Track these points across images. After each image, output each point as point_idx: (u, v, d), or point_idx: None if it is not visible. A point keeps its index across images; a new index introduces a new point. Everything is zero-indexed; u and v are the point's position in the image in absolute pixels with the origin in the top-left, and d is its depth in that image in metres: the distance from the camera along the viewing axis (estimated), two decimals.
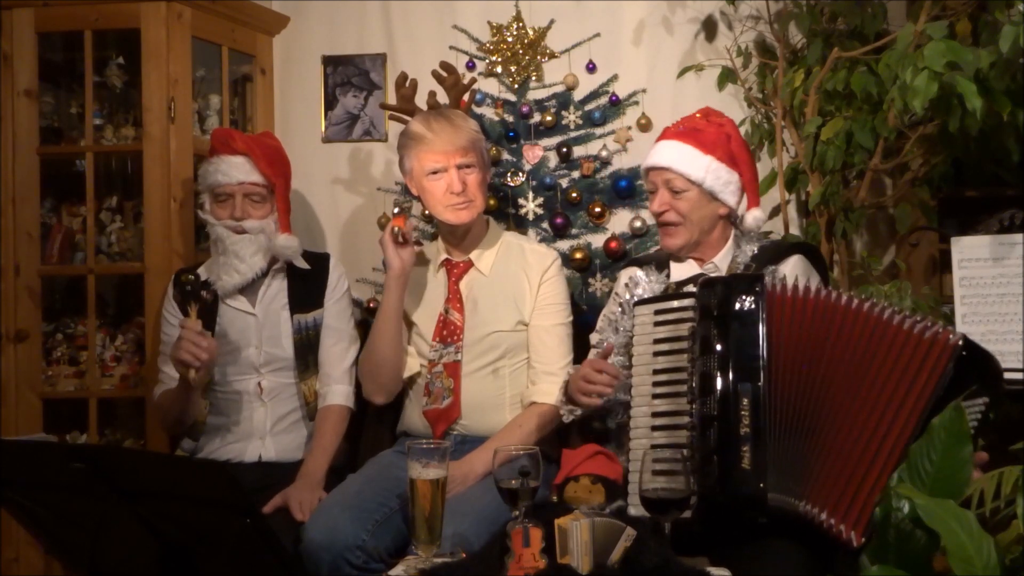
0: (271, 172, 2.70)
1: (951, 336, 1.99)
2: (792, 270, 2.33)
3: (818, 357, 2.03)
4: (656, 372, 2.19)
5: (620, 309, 2.42)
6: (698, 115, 2.46)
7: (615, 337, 2.40)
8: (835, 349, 2.03)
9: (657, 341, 2.20)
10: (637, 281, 2.43)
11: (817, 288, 2.10)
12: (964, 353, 1.99)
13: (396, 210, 2.61)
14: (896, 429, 1.96)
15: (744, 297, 2.06)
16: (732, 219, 2.44)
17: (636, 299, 2.34)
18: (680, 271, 2.42)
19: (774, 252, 2.38)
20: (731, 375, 2.02)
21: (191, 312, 2.52)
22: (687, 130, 2.40)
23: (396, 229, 2.51)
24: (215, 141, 2.73)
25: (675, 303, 2.20)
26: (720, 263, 2.40)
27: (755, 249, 2.39)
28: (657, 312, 2.22)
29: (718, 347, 2.05)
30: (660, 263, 2.47)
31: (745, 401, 2.00)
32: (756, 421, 1.98)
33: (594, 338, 2.51)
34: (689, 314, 2.15)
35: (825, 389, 2.02)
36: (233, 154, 2.68)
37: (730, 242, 2.42)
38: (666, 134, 2.43)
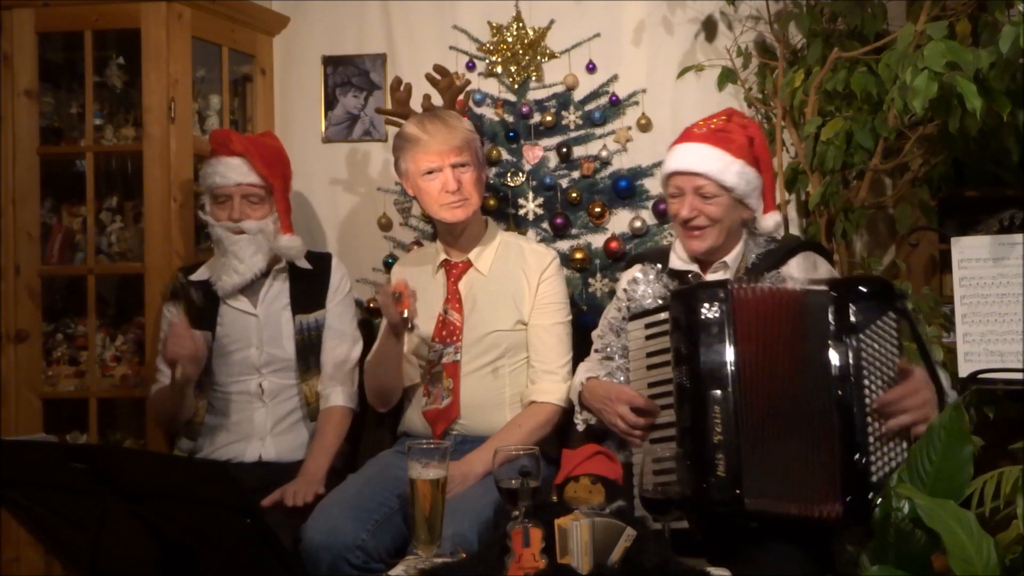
0: (268, 173, 2.70)
1: (819, 286, 2.07)
2: (797, 269, 2.31)
3: (775, 350, 2.05)
4: (650, 385, 2.20)
5: (619, 312, 2.40)
6: (723, 116, 2.37)
7: (617, 340, 2.38)
8: (783, 339, 2.05)
9: (650, 354, 2.21)
10: (637, 281, 2.40)
11: (775, 285, 2.11)
12: (834, 294, 2.04)
13: (394, 289, 2.47)
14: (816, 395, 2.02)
15: (709, 305, 2.07)
16: (747, 221, 2.39)
17: (630, 313, 2.32)
18: (678, 262, 2.38)
19: (779, 253, 2.35)
20: (701, 384, 2.04)
21: (178, 310, 2.56)
22: (713, 132, 2.31)
23: (405, 314, 2.39)
24: (213, 142, 2.74)
25: (662, 315, 2.19)
26: (732, 262, 2.36)
27: (761, 250, 2.37)
28: (647, 326, 2.23)
29: (688, 357, 2.06)
30: (660, 256, 2.44)
31: (716, 409, 2.02)
32: (728, 428, 2.00)
33: (597, 341, 2.49)
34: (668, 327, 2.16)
35: (783, 381, 2.04)
36: (230, 155, 2.68)
37: (741, 243, 2.38)
38: (691, 136, 2.34)
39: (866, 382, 1.99)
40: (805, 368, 2.03)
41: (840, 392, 1.99)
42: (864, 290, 2.04)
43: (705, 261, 2.38)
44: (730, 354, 2.03)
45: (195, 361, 2.55)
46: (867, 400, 1.99)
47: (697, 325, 2.06)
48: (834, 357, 2.00)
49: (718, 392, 2.02)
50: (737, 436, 1.99)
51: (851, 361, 1.99)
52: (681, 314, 2.10)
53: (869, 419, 1.98)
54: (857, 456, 1.96)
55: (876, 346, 2.01)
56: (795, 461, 1.99)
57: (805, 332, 2.04)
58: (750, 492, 1.97)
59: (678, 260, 2.39)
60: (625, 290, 2.41)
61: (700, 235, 2.32)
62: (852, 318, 2.01)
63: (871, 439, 1.97)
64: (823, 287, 2.06)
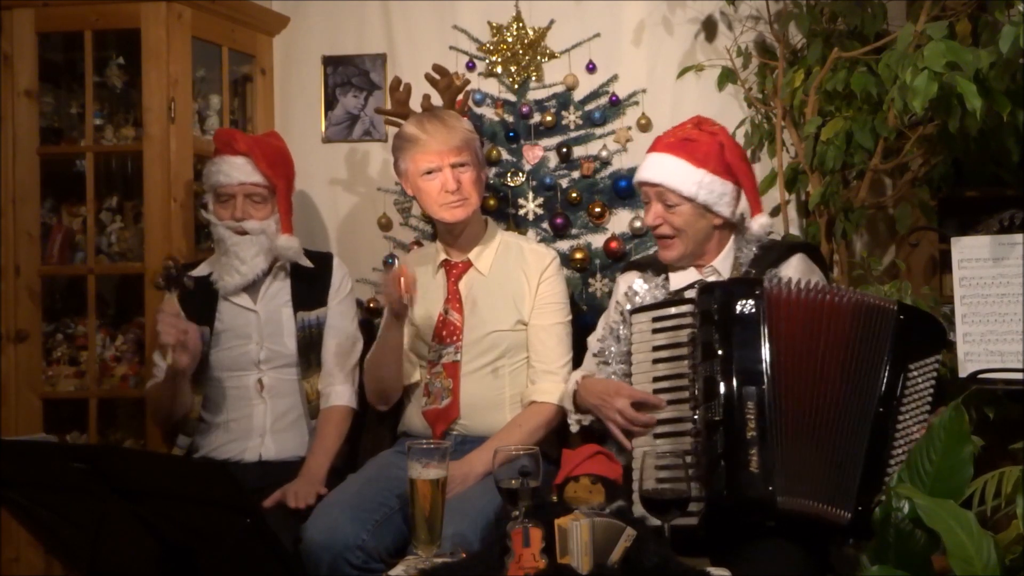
0: (272, 173, 2.70)
1: (885, 303, 2.11)
2: (794, 271, 2.32)
3: (815, 353, 2.06)
4: (656, 379, 2.21)
5: (621, 317, 2.40)
6: (690, 125, 2.40)
7: (616, 345, 2.38)
8: (826, 344, 2.07)
9: (656, 348, 2.22)
10: (636, 290, 2.42)
11: (809, 286, 2.12)
12: (901, 317, 2.09)
13: (395, 262, 2.52)
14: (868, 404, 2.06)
15: (745, 300, 2.08)
16: (730, 224, 2.41)
17: (634, 307, 2.33)
18: (679, 278, 2.40)
19: (775, 253, 2.37)
20: (735, 379, 2.04)
21: (170, 297, 2.55)
22: (679, 142, 2.35)
23: (408, 297, 2.42)
24: (217, 141, 2.74)
25: (672, 310, 2.21)
26: (720, 266, 2.38)
27: (755, 251, 2.38)
28: (655, 319, 2.24)
29: (720, 351, 2.06)
30: (659, 267, 2.45)
31: (750, 404, 2.02)
32: (762, 423, 2.00)
33: (595, 345, 2.49)
34: (688, 320, 2.16)
35: (823, 384, 2.05)
36: (235, 155, 2.68)
37: (730, 245, 2.40)
38: (657, 146, 2.38)
39: (903, 409, 2.05)
40: (852, 377, 2.06)
41: (881, 410, 2.05)
42: (926, 324, 2.11)
43: (696, 267, 2.41)
44: (765, 351, 2.04)
45: (187, 349, 2.53)
46: (898, 426, 2.05)
47: (732, 319, 2.07)
48: (885, 375, 2.05)
49: (752, 388, 2.03)
50: (770, 433, 2.00)
51: (899, 384, 2.05)
52: (714, 307, 2.10)
53: (895, 444, 2.04)
54: (878, 474, 2.02)
55: (920, 381, 2.07)
56: (822, 463, 2.02)
57: (856, 342, 2.07)
58: (781, 490, 1.98)
59: (679, 277, 2.40)
60: (626, 294, 2.42)
61: (669, 244, 2.37)
62: (912, 345, 2.07)
63: (892, 462, 2.03)
64: (891, 305, 2.10)
